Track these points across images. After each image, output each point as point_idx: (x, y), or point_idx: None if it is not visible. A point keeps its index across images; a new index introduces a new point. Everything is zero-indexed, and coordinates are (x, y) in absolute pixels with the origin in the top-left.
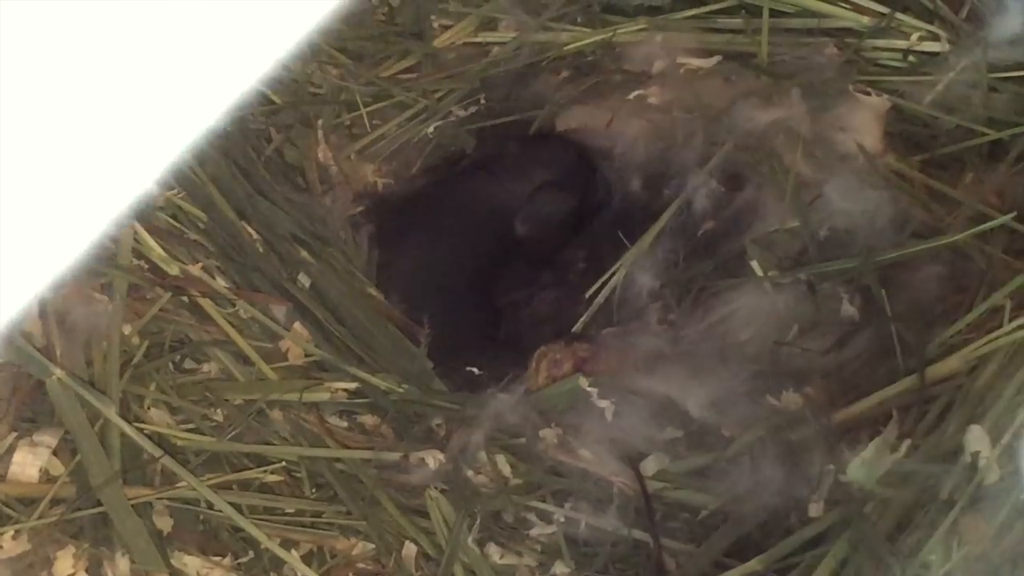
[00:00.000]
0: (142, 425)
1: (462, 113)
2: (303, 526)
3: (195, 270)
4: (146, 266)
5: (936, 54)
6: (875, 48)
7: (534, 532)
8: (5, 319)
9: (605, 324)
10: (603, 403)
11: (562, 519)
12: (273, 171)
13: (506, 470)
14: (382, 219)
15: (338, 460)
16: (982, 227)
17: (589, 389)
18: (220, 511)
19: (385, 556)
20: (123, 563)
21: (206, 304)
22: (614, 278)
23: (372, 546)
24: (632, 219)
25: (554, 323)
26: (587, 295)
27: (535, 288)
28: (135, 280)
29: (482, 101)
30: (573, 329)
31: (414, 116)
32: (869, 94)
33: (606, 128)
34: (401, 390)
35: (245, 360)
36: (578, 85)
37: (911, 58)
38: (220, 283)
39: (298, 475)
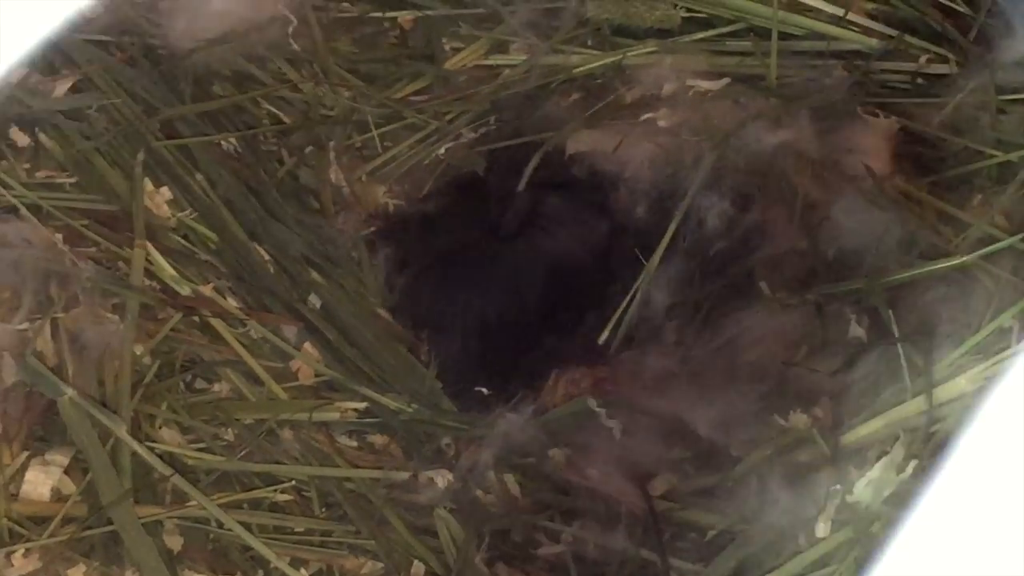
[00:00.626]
0: (153, 444)
1: (473, 135)
2: (312, 545)
3: (206, 290)
4: (158, 286)
5: (944, 76)
6: (883, 70)
7: (543, 551)
8: None
9: (624, 344)
10: (611, 423)
11: (570, 538)
12: (285, 193)
13: (515, 489)
14: (407, 247)
15: (347, 479)
16: (990, 248)
17: (597, 409)
18: (230, 530)
19: (394, 575)
20: None
21: (217, 324)
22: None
23: (381, 565)
24: (643, 242)
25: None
26: (615, 316)
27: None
28: (147, 300)
29: (491, 123)
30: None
31: (425, 138)
32: (878, 116)
33: (615, 151)
34: (410, 410)
35: (256, 380)
36: (588, 108)
37: (919, 80)
38: (231, 303)
39: (308, 494)
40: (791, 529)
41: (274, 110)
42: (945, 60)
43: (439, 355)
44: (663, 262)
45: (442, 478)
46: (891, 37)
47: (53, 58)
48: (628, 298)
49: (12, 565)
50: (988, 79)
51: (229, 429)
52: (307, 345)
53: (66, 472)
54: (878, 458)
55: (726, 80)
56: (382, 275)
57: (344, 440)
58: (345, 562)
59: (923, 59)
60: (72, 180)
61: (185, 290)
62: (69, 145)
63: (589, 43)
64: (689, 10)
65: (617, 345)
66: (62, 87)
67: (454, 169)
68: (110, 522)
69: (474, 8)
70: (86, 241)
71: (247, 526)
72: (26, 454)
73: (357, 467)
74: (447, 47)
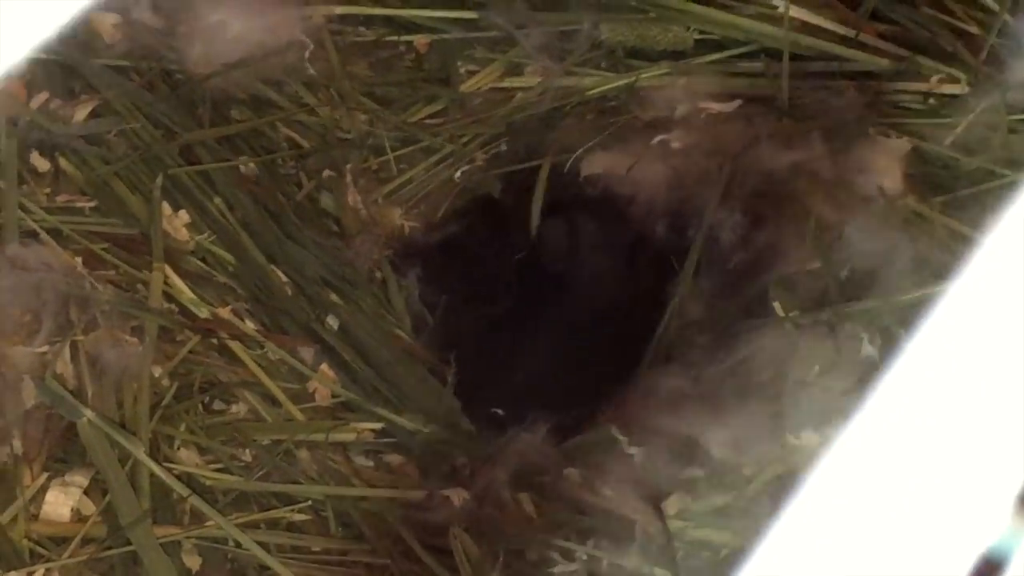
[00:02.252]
0: (171, 465)
1: (488, 158)
2: (329, 564)
3: (224, 313)
4: (176, 309)
5: (956, 96)
6: (895, 91)
7: (557, 570)
8: None
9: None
10: (633, 450)
11: (585, 557)
12: (303, 215)
13: (530, 509)
14: (435, 270)
15: (364, 499)
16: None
17: (621, 438)
18: (248, 550)
19: None
20: None
21: (235, 346)
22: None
23: None
24: (661, 264)
25: None
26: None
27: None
28: (165, 323)
29: (506, 145)
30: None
31: (441, 161)
32: (889, 136)
33: (628, 173)
34: (426, 430)
35: (273, 401)
36: (602, 130)
37: (931, 100)
38: (249, 326)
39: (324, 514)
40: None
41: (291, 134)
42: (956, 80)
43: (467, 379)
44: (674, 281)
45: (457, 497)
46: (902, 58)
47: (72, 84)
48: (665, 319)
49: None
50: (999, 99)
51: (247, 450)
52: (324, 366)
53: (86, 493)
54: None
55: (738, 102)
56: (409, 297)
57: (360, 460)
58: None
59: (934, 79)
60: (91, 204)
61: (203, 312)
62: (89, 170)
63: (603, 65)
64: (702, 32)
65: (653, 366)
66: (82, 112)
67: (469, 192)
68: (129, 542)
69: (489, 31)
70: (105, 264)
71: (264, 546)
72: (46, 475)
73: (373, 487)
74: (462, 70)
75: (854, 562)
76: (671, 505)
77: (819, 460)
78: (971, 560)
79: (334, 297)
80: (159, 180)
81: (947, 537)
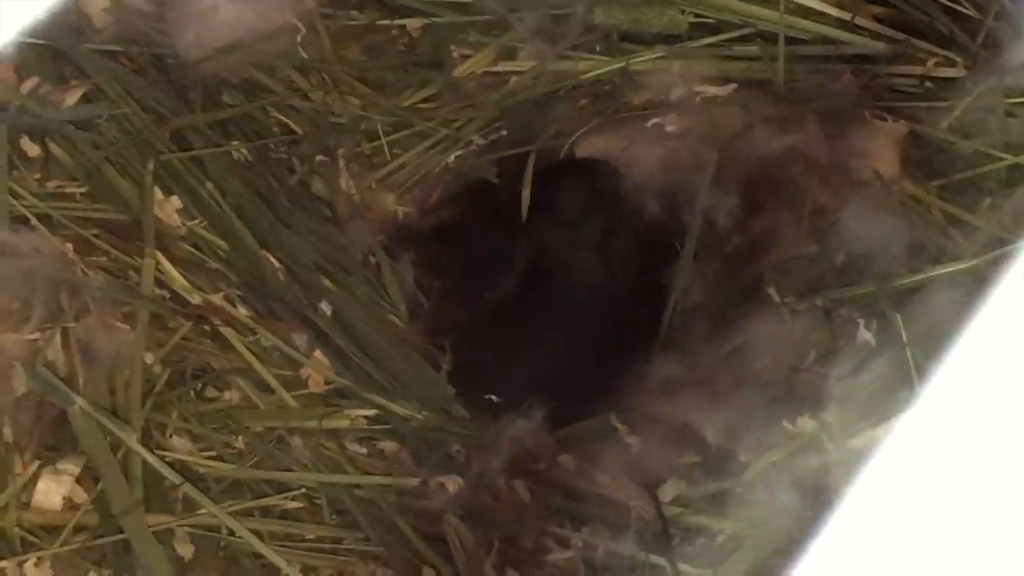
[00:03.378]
0: (164, 453)
1: (482, 142)
2: (323, 552)
3: (217, 299)
4: (168, 295)
5: (953, 80)
6: (891, 74)
7: (552, 557)
8: None
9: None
10: (632, 439)
11: (580, 544)
12: (295, 201)
13: (525, 495)
14: (431, 255)
15: (358, 486)
16: (999, 252)
17: (620, 427)
18: (241, 538)
19: None
20: None
21: (227, 333)
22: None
23: (391, 572)
24: (657, 248)
25: None
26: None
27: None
28: (157, 309)
29: (500, 130)
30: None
31: (434, 145)
32: (886, 120)
33: (623, 156)
34: (421, 417)
35: (266, 388)
36: (596, 113)
37: (928, 84)
38: (241, 312)
39: (318, 501)
40: (800, 534)
41: (284, 118)
42: (953, 64)
43: (462, 366)
44: (670, 267)
45: (452, 484)
46: (899, 41)
47: (63, 68)
48: (671, 305)
49: (24, 574)
50: (996, 82)
51: (239, 437)
52: (317, 353)
53: (77, 481)
54: None
55: (733, 85)
56: (404, 282)
57: (354, 447)
58: (355, 569)
59: (931, 63)
60: (82, 190)
61: (195, 299)
62: (79, 155)
63: (597, 49)
64: (697, 15)
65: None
66: (72, 97)
67: (463, 176)
68: (121, 531)
69: (482, 15)
70: (96, 251)
71: (258, 534)
72: (37, 463)
73: (367, 474)
74: (455, 54)
75: None
76: (667, 491)
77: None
78: None
79: (327, 283)
80: (150, 165)
81: (987, 557)
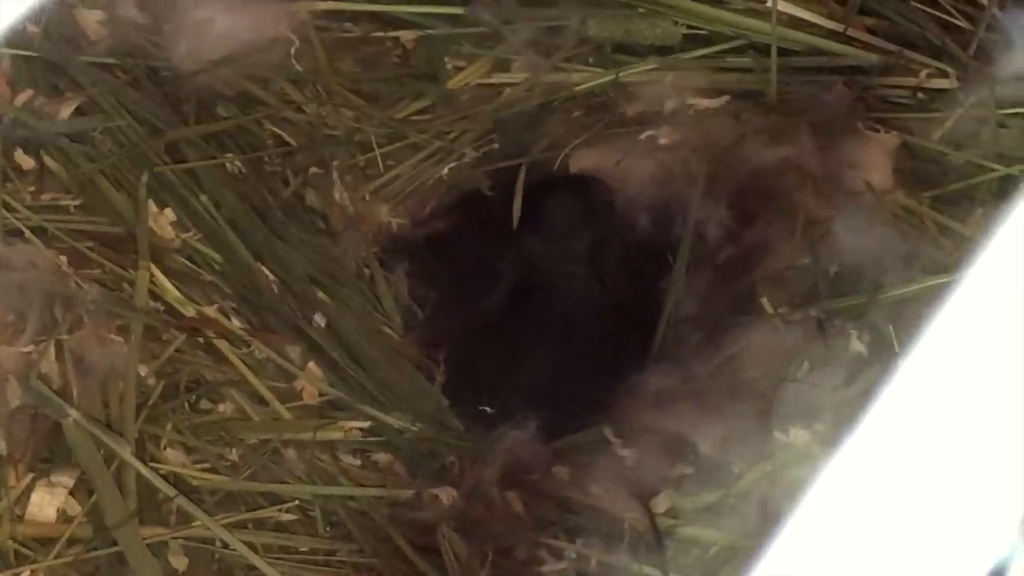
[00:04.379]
0: (158, 465)
1: (475, 154)
2: (317, 564)
3: (211, 311)
4: (162, 308)
5: (945, 91)
6: (884, 85)
7: (546, 569)
8: None
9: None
10: (625, 452)
11: (574, 555)
12: (289, 213)
13: (518, 507)
14: (425, 267)
15: (351, 498)
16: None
17: (614, 440)
18: (235, 550)
19: None
20: None
21: (221, 345)
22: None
23: None
24: (650, 260)
25: None
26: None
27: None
28: (151, 322)
29: (494, 141)
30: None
31: (428, 157)
32: (878, 131)
33: (616, 170)
34: (415, 428)
35: (260, 400)
36: (589, 125)
37: (920, 95)
38: (235, 324)
39: (312, 514)
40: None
41: (278, 131)
42: (945, 75)
43: (456, 377)
44: (663, 279)
45: (446, 496)
46: (891, 52)
47: (57, 81)
48: (664, 317)
49: None
50: (988, 93)
51: (233, 449)
52: (311, 365)
53: (71, 493)
54: None
55: (726, 97)
56: (398, 293)
57: (348, 459)
58: None
59: (923, 74)
60: (77, 202)
61: (189, 311)
62: (73, 167)
63: (590, 61)
64: (690, 27)
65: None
66: (66, 109)
67: (457, 188)
68: (115, 543)
69: (476, 27)
70: (90, 263)
71: (252, 546)
72: (31, 476)
73: (361, 486)
74: (449, 66)
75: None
76: (660, 503)
77: (821, 470)
78: None
79: (321, 295)
80: (144, 178)
81: (952, 553)
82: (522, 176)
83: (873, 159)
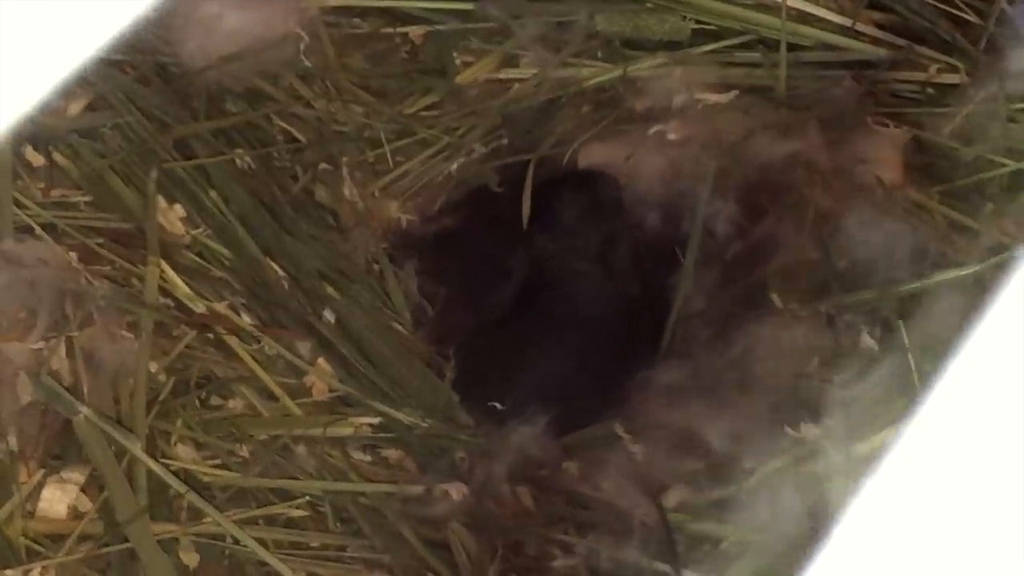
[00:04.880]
0: (168, 461)
1: (484, 150)
2: (328, 560)
3: (221, 307)
4: (172, 304)
5: (955, 86)
6: (893, 80)
7: (556, 564)
8: None
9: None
10: (636, 447)
11: (584, 551)
12: (299, 209)
13: (528, 503)
14: (434, 262)
15: (362, 494)
16: (1002, 257)
17: (624, 436)
18: (246, 546)
19: None
20: None
21: (231, 341)
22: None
23: None
24: (659, 255)
25: None
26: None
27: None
28: (161, 318)
29: (503, 137)
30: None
31: (437, 153)
32: (888, 126)
33: (625, 164)
34: (425, 424)
35: (270, 396)
36: (598, 121)
37: (929, 90)
38: (245, 320)
39: (323, 509)
40: (804, 539)
41: (287, 127)
42: (955, 70)
43: (465, 373)
44: (672, 274)
45: (456, 491)
46: (900, 47)
47: (66, 77)
48: (674, 313)
49: None
50: (998, 88)
51: (244, 445)
52: (321, 360)
53: (82, 490)
54: None
55: (735, 92)
56: (408, 289)
57: (358, 455)
58: None
59: (933, 69)
60: (86, 199)
61: (199, 307)
62: (83, 164)
63: (599, 56)
64: (699, 22)
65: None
66: (76, 106)
67: (466, 184)
68: (126, 539)
69: (484, 22)
70: (101, 259)
71: (262, 542)
72: (42, 472)
73: (371, 482)
74: (458, 61)
75: None
76: (671, 498)
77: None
78: None
79: (331, 290)
80: (154, 174)
81: (990, 564)
82: (531, 173)
83: (883, 154)
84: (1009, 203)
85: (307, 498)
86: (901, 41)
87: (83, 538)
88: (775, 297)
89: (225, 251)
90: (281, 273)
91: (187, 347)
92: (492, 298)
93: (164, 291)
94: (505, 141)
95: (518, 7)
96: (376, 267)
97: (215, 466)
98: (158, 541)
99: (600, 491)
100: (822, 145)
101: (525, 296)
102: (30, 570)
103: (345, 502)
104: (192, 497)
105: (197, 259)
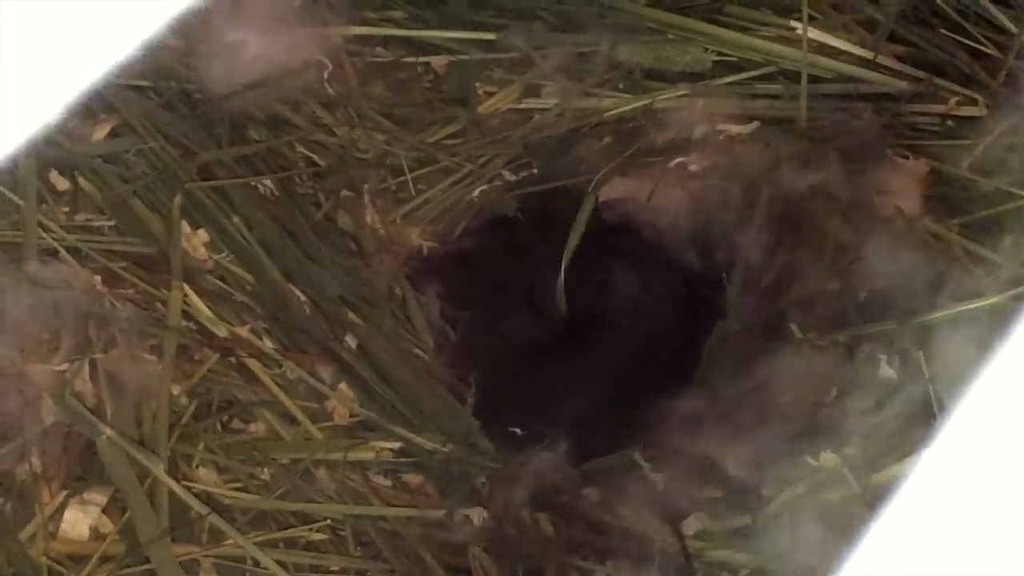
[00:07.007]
0: (190, 483)
1: (506, 178)
2: None
3: (243, 332)
4: (195, 327)
5: (974, 118)
6: (913, 112)
7: None
8: None
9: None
10: (656, 475)
11: None
12: (321, 235)
13: (548, 528)
14: (457, 288)
15: (382, 518)
16: (1020, 289)
17: (644, 464)
18: (266, 568)
19: None
20: None
21: (253, 365)
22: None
23: None
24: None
25: None
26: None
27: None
28: (184, 341)
29: (524, 166)
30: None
31: (458, 181)
32: (907, 158)
33: (648, 200)
34: (445, 449)
35: (291, 420)
36: (619, 151)
37: (949, 122)
38: (267, 344)
39: (343, 533)
40: (822, 568)
41: (309, 154)
42: (974, 102)
43: (486, 399)
44: (699, 305)
45: (477, 517)
46: (920, 79)
47: (91, 103)
48: (710, 342)
49: None
50: (1017, 121)
51: (265, 469)
52: (342, 385)
53: (104, 511)
54: None
55: (756, 123)
56: (430, 315)
57: (379, 479)
58: None
59: (952, 101)
60: (110, 223)
61: (222, 331)
62: (107, 188)
63: (621, 87)
64: (720, 54)
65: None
66: (100, 131)
67: (486, 212)
68: (148, 561)
69: (507, 52)
70: (124, 283)
71: (283, 565)
72: (65, 493)
73: (392, 506)
74: (480, 91)
75: None
76: (690, 525)
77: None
78: None
79: (352, 316)
80: (177, 199)
81: None
82: (580, 224)
83: (902, 185)
84: None
85: (328, 521)
86: (921, 73)
87: (105, 559)
88: (795, 327)
89: (248, 276)
90: (303, 298)
91: (209, 370)
92: (512, 324)
93: (187, 315)
94: (526, 173)
95: (541, 37)
96: (398, 293)
97: (236, 489)
98: (179, 563)
99: (620, 518)
100: (842, 176)
101: (551, 325)
102: None
103: (365, 526)
104: (213, 519)
105: (220, 283)
